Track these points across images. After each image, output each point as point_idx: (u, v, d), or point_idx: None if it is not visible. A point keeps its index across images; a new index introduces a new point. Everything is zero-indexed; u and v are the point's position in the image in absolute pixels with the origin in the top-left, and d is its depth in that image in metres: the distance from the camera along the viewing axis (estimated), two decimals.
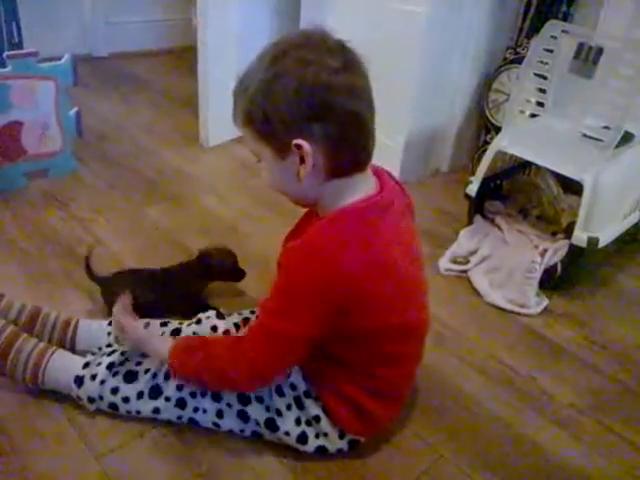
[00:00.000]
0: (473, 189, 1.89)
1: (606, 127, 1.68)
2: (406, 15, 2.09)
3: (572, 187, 1.92)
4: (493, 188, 2.00)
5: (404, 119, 2.25)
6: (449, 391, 1.41)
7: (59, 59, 1.95)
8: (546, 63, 1.83)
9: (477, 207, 1.96)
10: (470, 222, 1.96)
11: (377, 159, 2.46)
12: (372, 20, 2.21)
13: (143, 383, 1.18)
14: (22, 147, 1.95)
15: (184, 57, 3.35)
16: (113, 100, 2.90)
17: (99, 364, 1.20)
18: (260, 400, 1.15)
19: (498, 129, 2.16)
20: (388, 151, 2.32)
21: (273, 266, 1.76)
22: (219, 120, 2.50)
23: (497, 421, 1.34)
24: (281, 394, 1.14)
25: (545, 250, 1.78)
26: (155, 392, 1.17)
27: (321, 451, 1.17)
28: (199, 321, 1.33)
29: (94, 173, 2.19)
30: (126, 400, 1.18)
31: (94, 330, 1.34)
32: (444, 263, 1.85)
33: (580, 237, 1.66)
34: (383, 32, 2.18)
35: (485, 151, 1.90)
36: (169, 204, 2.07)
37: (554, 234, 1.90)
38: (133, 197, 2.08)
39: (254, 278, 1.73)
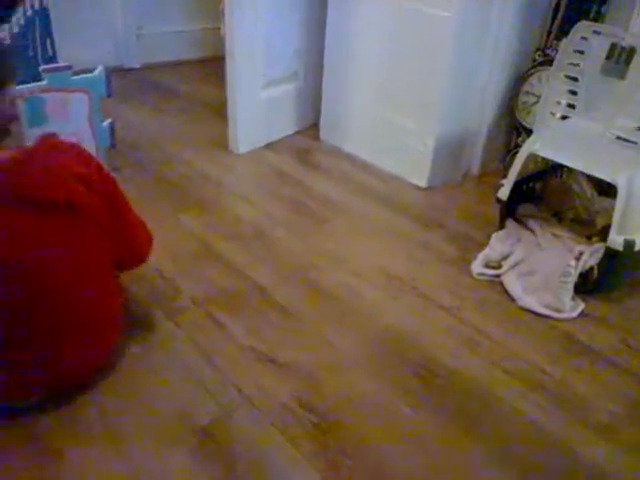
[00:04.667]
0: (505, 192, 1.87)
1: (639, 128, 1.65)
2: (434, 20, 2.09)
3: (606, 189, 1.89)
4: (525, 191, 1.98)
5: (433, 123, 2.24)
6: (483, 396, 1.40)
7: (92, 71, 1.99)
8: (577, 64, 1.81)
9: (509, 210, 1.94)
10: (502, 226, 1.95)
11: (406, 164, 2.48)
12: (400, 26, 2.22)
13: None
14: None
15: (213, 66, 3.39)
16: (145, 110, 2.95)
17: None
18: None
19: (529, 131, 2.14)
20: (418, 155, 2.32)
21: (302, 271, 1.79)
22: (249, 127, 2.53)
23: (532, 426, 1.33)
24: None
25: (580, 253, 1.76)
26: None
27: None
28: None
29: (128, 182, 2.18)
30: None
31: None
32: (476, 267, 1.83)
33: (616, 240, 1.63)
34: (411, 37, 2.19)
35: (516, 154, 1.88)
36: (201, 211, 2.09)
37: (589, 237, 1.87)
38: (166, 205, 2.11)
39: (281, 281, 1.74)
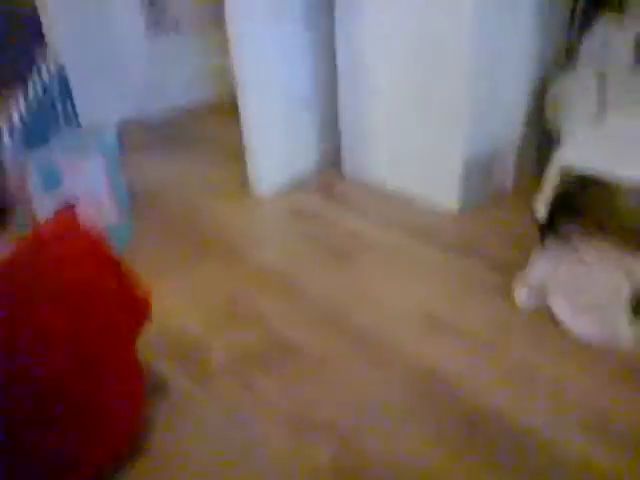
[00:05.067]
0: (541, 211, 1.75)
1: None
2: (452, 29, 1.97)
3: None
4: (564, 204, 1.85)
5: (459, 142, 2.13)
6: (541, 446, 1.27)
7: (109, 125, 1.97)
8: (603, 61, 1.69)
9: (549, 227, 1.81)
10: (543, 245, 1.81)
11: (435, 188, 2.35)
12: (414, 43, 2.11)
13: None
14: None
15: (232, 108, 3.37)
16: (164, 159, 2.93)
17: None
18: None
19: (559, 138, 2.02)
20: (445, 178, 2.21)
21: (334, 317, 1.70)
22: (268, 168, 2.47)
23: (600, 475, 1.19)
24: None
25: (632, 269, 1.61)
26: None
27: None
28: None
29: (150, 236, 2.17)
30: None
31: None
32: (520, 295, 1.71)
33: None
34: (427, 54, 2.09)
35: (549, 163, 1.75)
36: (226, 260, 2.03)
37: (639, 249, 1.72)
38: (190, 257, 2.06)
39: (313, 331, 1.66)
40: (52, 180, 1.88)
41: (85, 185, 1.94)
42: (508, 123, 2.24)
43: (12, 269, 1.07)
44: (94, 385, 1.18)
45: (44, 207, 1.88)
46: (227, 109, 3.39)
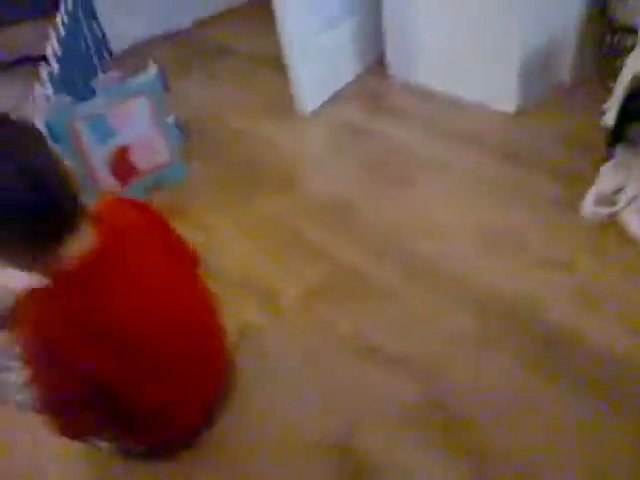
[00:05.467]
0: (609, 119, 1.65)
1: None
2: None
3: None
4: (634, 109, 1.73)
5: (516, 34, 1.98)
6: (619, 364, 1.28)
7: (150, 65, 1.90)
8: None
9: (617, 136, 1.71)
10: (611, 155, 1.73)
11: (490, 88, 2.18)
12: None
13: None
14: (134, 167, 1.98)
15: (267, 11, 3.17)
16: (200, 78, 2.82)
17: None
18: None
19: (627, 29, 1.86)
20: (499, 76, 2.09)
21: (396, 245, 1.69)
22: (311, 79, 2.34)
23: None
24: None
25: None
26: None
27: None
28: None
29: (202, 173, 2.14)
30: None
31: None
32: (587, 206, 1.66)
33: None
34: None
35: (612, 56, 1.62)
36: (278, 191, 2.01)
37: None
38: (241, 189, 2.03)
39: (377, 261, 1.66)
40: (103, 132, 1.87)
41: (134, 130, 1.92)
42: (569, 15, 2.05)
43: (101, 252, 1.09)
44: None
45: (100, 160, 1.89)
46: (259, 12, 3.19)
